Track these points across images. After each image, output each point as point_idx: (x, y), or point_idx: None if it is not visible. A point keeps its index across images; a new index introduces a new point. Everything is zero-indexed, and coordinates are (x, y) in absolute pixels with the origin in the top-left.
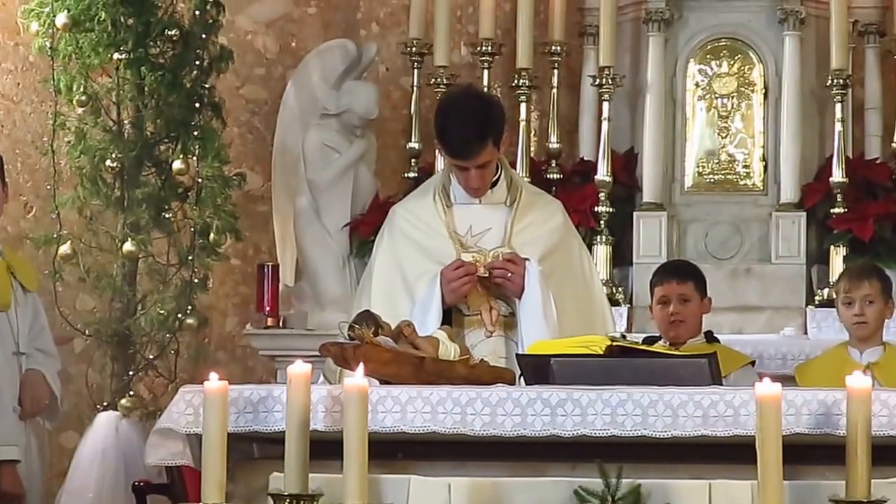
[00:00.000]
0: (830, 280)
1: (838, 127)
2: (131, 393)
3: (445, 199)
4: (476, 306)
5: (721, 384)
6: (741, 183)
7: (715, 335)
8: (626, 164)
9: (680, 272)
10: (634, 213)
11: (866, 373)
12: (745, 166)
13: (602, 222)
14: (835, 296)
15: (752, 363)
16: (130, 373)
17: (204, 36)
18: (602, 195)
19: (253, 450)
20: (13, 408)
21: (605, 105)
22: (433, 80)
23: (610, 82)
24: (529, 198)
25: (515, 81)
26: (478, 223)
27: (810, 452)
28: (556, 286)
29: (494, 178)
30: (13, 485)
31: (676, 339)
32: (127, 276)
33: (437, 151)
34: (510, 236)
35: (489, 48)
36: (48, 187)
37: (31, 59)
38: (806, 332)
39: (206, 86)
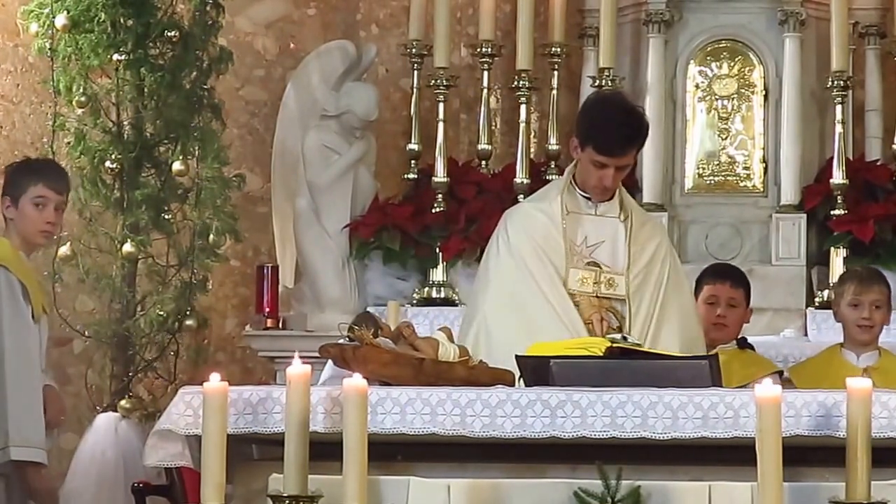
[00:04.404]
0: (831, 282)
1: (839, 128)
2: (131, 394)
3: (572, 206)
4: (588, 315)
5: (721, 386)
6: (741, 184)
7: (748, 341)
8: None
9: (735, 277)
10: None
11: (864, 377)
12: (745, 168)
13: None
14: (835, 296)
15: (781, 373)
16: (130, 374)
17: (203, 37)
18: None
19: (252, 451)
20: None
21: None
22: (433, 81)
23: (610, 84)
24: (639, 219)
25: (515, 83)
26: (592, 234)
27: (810, 454)
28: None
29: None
30: (45, 483)
31: (715, 342)
32: (126, 278)
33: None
34: (629, 261)
35: (489, 50)
36: None
37: (30, 60)
38: (806, 334)
39: (206, 87)
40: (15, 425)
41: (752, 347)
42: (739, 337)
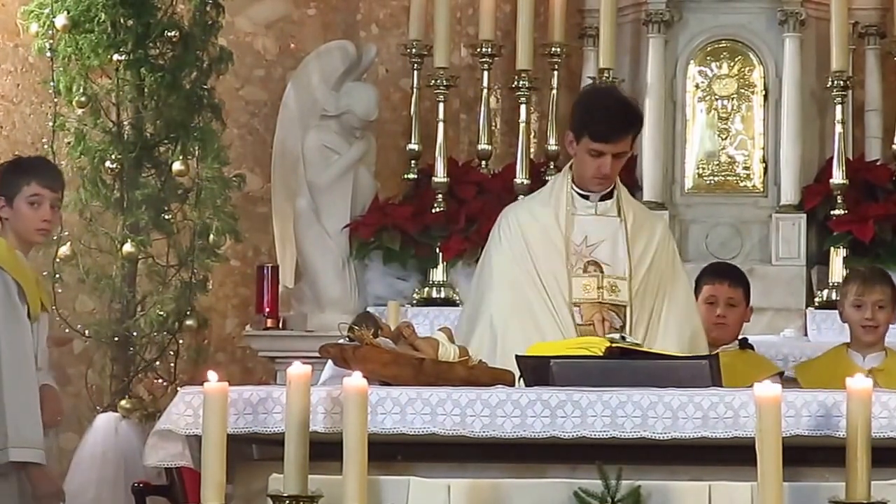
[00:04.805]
0: (830, 282)
1: (838, 128)
2: (131, 394)
3: (571, 207)
4: (588, 316)
5: (721, 386)
6: (741, 184)
7: (749, 342)
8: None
9: (733, 276)
10: None
11: (868, 378)
12: (745, 168)
13: None
14: (840, 297)
15: (781, 374)
16: (130, 374)
17: (204, 37)
18: None
19: (252, 451)
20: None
21: None
22: (433, 81)
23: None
24: (638, 217)
25: (515, 83)
26: (592, 234)
27: (810, 454)
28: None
29: (609, 190)
30: (47, 485)
31: (715, 342)
32: (126, 278)
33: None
34: (631, 268)
35: (489, 50)
36: None
37: (30, 61)
38: (806, 334)
39: (206, 87)
40: (13, 426)
41: (752, 348)
42: (741, 337)
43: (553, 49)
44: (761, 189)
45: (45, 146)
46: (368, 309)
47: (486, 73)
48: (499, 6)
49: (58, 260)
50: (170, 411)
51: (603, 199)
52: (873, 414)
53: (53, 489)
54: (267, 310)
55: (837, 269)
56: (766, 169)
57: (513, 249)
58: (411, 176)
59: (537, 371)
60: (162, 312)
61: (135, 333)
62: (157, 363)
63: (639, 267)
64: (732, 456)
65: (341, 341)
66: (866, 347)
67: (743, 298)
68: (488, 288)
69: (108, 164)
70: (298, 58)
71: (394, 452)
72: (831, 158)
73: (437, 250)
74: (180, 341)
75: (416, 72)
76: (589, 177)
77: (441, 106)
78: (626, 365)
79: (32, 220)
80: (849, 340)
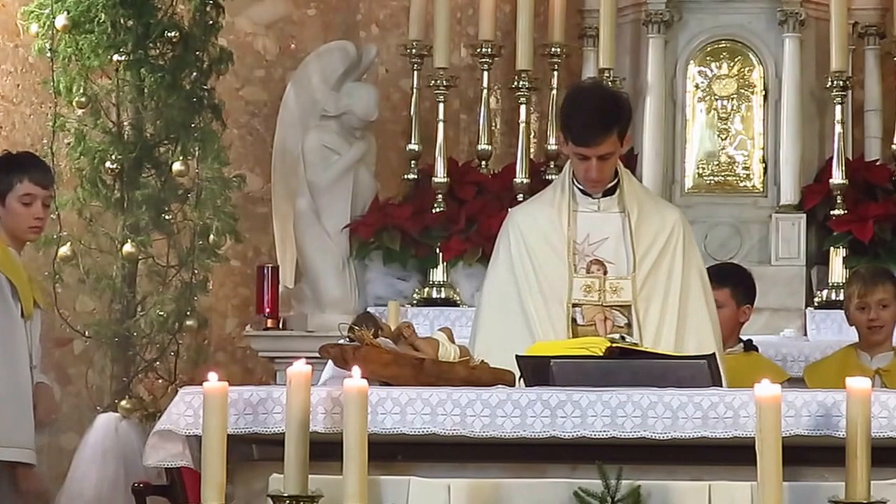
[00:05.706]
0: (830, 282)
1: (838, 129)
2: (131, 394)
3: (573, 204)
4: (590, 317)
5: (721, 386)
6: (741, 184)
7: (754, 344)
8: (625, 165)
9: (718, 276)
10: None
11: (875, 378)
12: (744, 168)
13: None
14: (845, 300)
15: (788, 379)
16: (130, 374)
17: (204, 38)
18: None
19: (252, 451)
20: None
21: None
22: (433, 81)
23: (610, 84)
24: (645, 211)
25: (515, 83)
26: (595, 231)
27: (810, 454)
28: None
29: (612, 184)
30: (34, 484)
31: None
32: (127, 278)
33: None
34: (634, 263)
35: (489, 50)
36: None
37: (30, 61)
38: (805, 334)
39: (206, 87)
40: (3, 426)
41: (756, 349)
42: (745, 339)
43: (553, 49)
44: (761, 189)
45: (45, 146)
46: (368, 309)
47: (486, 73)
48: (499, 6)
49: (58, 260)
50: (170, 411)
51: (606, 194)
52: (873, 414)
53: (40, 489)
54: (267, 310)
55: (837, 269)
56: (765, 169)
57: (511, 256)
58: (411, 176)
59: (537, 371)
60: (162, 313)
61: (135, 334)
62: (157, 363)
63: (643, 263)
64: (732, 456)
65: (341, 341)
66: (874, 348)
67: (730, 297)
68: (480, 301)
69: (108, 164)
70: (298, 58)
71: (394, 452)
72: (831, 158)
73: (437, 250)
74: (180, 341)
75: (416, 72)
76: (580, 179)
77: (441, 106)
78: (626, 365)
79: (25, 219)
80: (857, 341)
